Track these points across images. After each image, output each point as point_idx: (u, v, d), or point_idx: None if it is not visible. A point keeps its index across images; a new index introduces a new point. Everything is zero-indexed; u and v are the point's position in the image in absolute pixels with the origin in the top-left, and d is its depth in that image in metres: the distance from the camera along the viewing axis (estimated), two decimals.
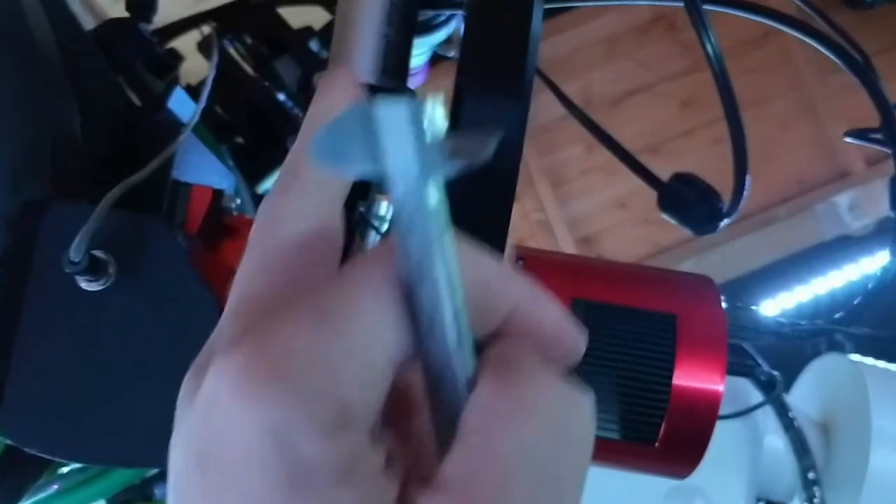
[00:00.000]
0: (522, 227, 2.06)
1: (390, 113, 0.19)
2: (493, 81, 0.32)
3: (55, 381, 0.29)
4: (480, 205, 0.33)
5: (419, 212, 0.19)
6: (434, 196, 0.20)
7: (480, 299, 0.21)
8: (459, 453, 0.19)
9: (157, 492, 0.55)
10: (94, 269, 0.27)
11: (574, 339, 0.23)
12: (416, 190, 0.19)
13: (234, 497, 0.18)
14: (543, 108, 2.15)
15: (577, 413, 0.22)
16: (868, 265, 1.91)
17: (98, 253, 0.28)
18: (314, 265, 0.22)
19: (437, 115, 0.18)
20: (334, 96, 0.25)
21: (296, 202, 0.23)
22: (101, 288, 0.28)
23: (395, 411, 0.21)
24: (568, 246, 2.06)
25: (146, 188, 0.34)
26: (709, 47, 0.42)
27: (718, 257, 1.98)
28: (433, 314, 0.20)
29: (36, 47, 0.32)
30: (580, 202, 2.08)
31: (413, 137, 0.19)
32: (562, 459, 0.21)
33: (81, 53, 0.35)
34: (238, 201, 0.38)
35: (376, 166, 0.19)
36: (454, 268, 0.20)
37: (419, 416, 0.22)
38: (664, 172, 0.52)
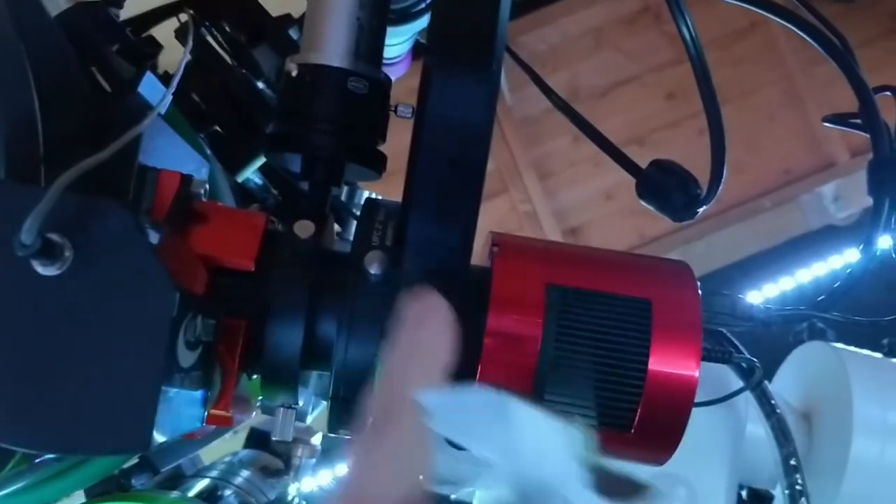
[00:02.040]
0: (510, 218, 2.06)
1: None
2: (462, 63, 0.31)
3: (9, 366, 0.28)
4: (449, 189, 0.32)
5: None
6: None
7: None
8: None
9: (134, 482, 0.55)
10: (48, 252, 0.27)
11: None
12: None
13: None
14: (530, 99, 2.15)
15: None
16: (852, 255, 1.92)
17: (53, 236, 0.27)
18: None
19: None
20: (433, 328, 0.24)
21: (389, 470, 0.23)
22: (57, 272, 0.28)
23: None
24: (555, 237, 2.06)
25: (111, 172, 0.34)
26: (685, 32, 0.42)
27: (704, 247, 1.99)
28: None
29: None
30: (567, 194, 2.08)
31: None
32: None
33: (43, 36, 0.34)
34: (207, 187, 0.37)
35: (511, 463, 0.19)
36: None
37: None
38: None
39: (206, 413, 0.35)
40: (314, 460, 0.83)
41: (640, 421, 0.38)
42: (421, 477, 0.24)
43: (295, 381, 0.38)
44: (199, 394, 0.33)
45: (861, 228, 0.50)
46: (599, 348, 0.37)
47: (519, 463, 0.19)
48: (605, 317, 0.37)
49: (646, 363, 0.37)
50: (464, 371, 0.37)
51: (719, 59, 2.03)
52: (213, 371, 0.35)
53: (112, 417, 0.28)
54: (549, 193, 2.07)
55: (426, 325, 0.25)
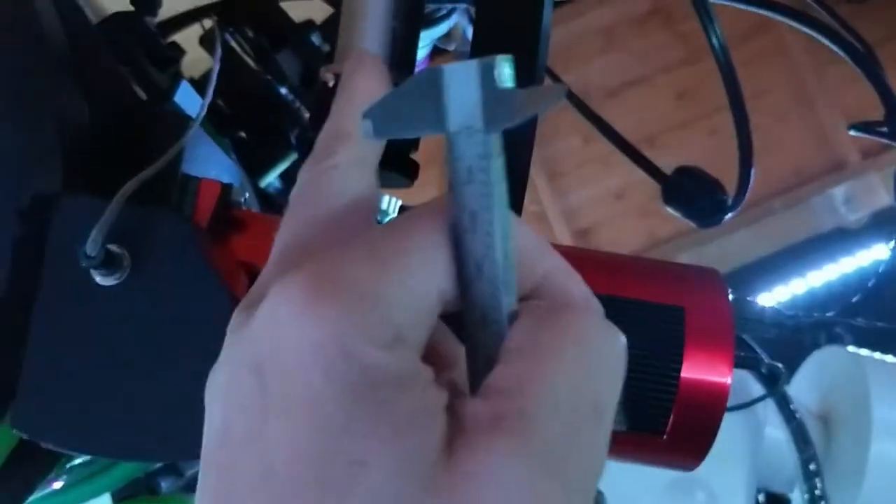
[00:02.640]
0: None
1: (459, 72, 0.20)
2: None
3: (70, 375, 0.29)
4: None
5: (482, 161, 0.21)
6: (497, 146, 0.21)
7: (517, 263, 0.22)
8: (504, 371, 0.21)
9: (162, 485, 0.55)
10: (109, 263, 0.27)
11: (599, 312, 0.25)
12: (481, 141, 0.21)
13: (294, 402, 0.19)
14: None
15: (615, 346, 0.24)
16: (864, 258, 1.92)
17: (113, 247, 0.28)
18: (360, 229, 0.23)
19: (505, 71, 0.19)
20: (367, 73, 0.26)
21: (338, 173, 0.24)
22: (115, 282, 0.28)
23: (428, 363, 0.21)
24: (564, 238, 2.07)
25: (155, 182, 0.34)
26: (714, 40, 0.42)
27: (715, 249, 1.99)
28: (483, 259, 0.21)
29: (44, 39, 0.32)
30: (576, 194, 2.08)
31: (480, 90, 0.20)
32: (601, 387, 0.23)
33: (89, 46, 0.35)
34: (247, 195, 0.37)
35: (437, 126, 0.21)
36: (507, 217, 0.21)
37: (450, 370, 0.23)
38: (660, 164, 0.52)
39: None
40: None
41: (672, 427, 0.38)
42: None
43: None
44: None
45: (872, 231, 0.50)
46: (633, 355, 0.37)
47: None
48: (638, 324, 0.38)
49: (679, 370, 0.37)
50: None
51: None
52: None
53: (172, 424, 0.29)
54: (558, 194, 2.07)
55: (360, 70, 0.26)
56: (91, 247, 0.27)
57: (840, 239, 1.97)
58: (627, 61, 2.09)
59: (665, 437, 0.38)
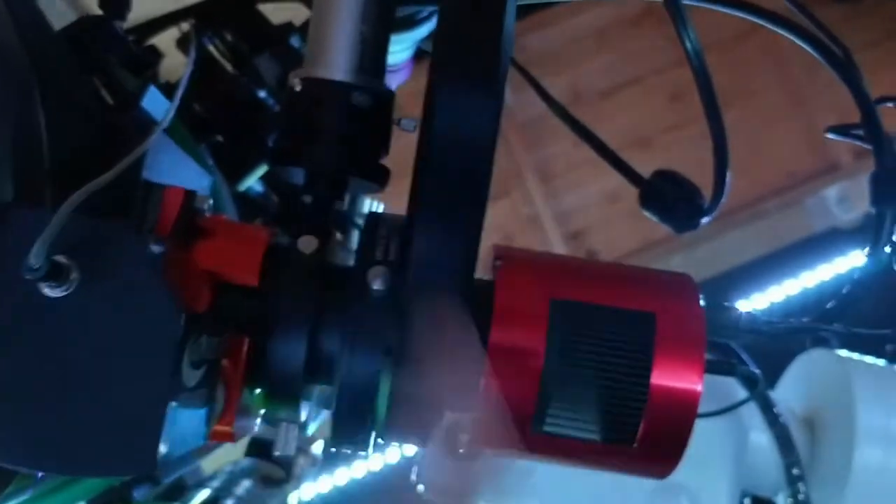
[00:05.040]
0: (511, 222, 2.06)
1: None
2: (467, 77, 0.31)
3: (17, 388, 0.28)
4: (454, 205, 0.32)
5: None
6: None
7: None
8: None
9: (135, 494, 0.55)
10: (55, 274, 0.27)
11: None
12: None
13: None
14: (532, 102, 2.13)
15: None
16: (858, 258, 1.91)
17: (60, 258, 0.27)
18: None
19: None
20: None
21: None
22: (63, 294, 0.28)
23: None
24: (557, 240, 2.06)
25: (116, 190, 0.34)
26: (688, 44, 0.42)
27: (708, 251, 1.98)
28: None
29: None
30: (569, 197, 2.07)
31: None
32: None
33: (48, 54, 0.34)
34: (211, 202, 0.37)
35: None
36: None
37: None
38: (653, 166, 0.52)
39: (209, 430, 0.35)
40: (315, 468, 0.83)
41: (643, 435, 0.38)
42: None
43: (298, 397, 0.38)
44: (203, 412, 0.33)
45: (865, 232, 0.50)
46: (603, 362, 0.37)
47: None
48: (608, 330, 0.37)
49: (649, 377, 0.37)
50: (467, 384, 0.37)
51: (722, 61, 2.03)
52: (217, 387, 0.35)
53: (118, 439, 0.29)
54: (551, 196, 2.07)
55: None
56: (35, 258, 0.26)
57: (834, 239, 1.97)
58: (620, 63, 2.09)
59: (636, 445, 0.38)
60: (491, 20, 0.32)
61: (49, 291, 0.28)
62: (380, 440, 0.39)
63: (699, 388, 0.37)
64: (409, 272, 0.34)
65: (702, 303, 0.39)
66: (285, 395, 0.37)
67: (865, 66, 0.48)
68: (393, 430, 0.37)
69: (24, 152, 0.30)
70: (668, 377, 0.37)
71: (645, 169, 0.55)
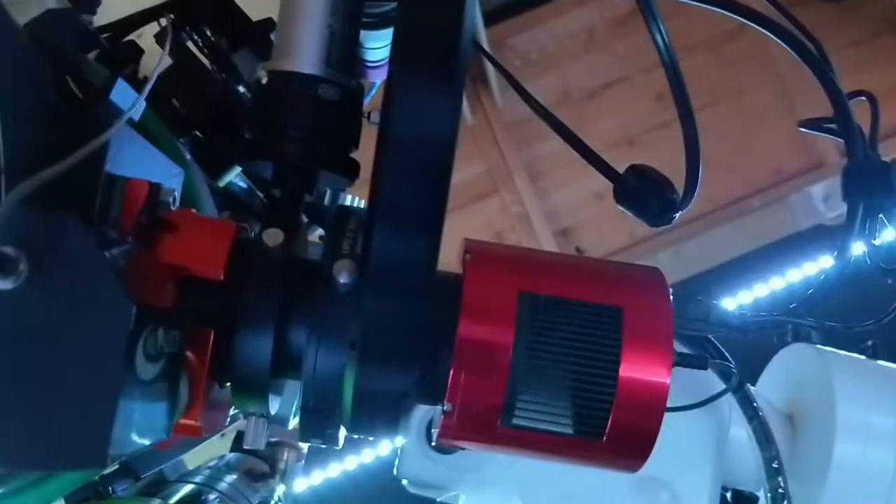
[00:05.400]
0: (501, 220, 2.06)
1: None
2: (424, 75, 0.31)
3: None
4: (413, 201, 0.32)
5: None
6: None
7: None
8: None
9: (115, 489, 0.55)
10: (1, 265, 0.27)
11: None
12: None
13: None
14: (521, 101, 2.14)
15: None
16: (828, 261, 1.92)
17: (6, 249, 0.27)
18: None
19: None
20: None
21: None
22: (11, 286, 0.27)
23: None
24: (546, 238, 2.06)
25: (77, 182, 0.33)
26: (658, 38, 0.42)
27: (694, 248, 1.99)
28: None
29: None
30: (558, 195, 2.08)
31: None
32: None
33: (3, 44, 0.34)
34: (177, 195, 0.37)
35: None
36: None
37: None
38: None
39: (173, 423, 0.35)
40: (301, 463, 0.82)
41: (612, 428, 0.38)
42: None
43: (265, 391, 0.37)
44: (163, 405, 0.33)
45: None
46: (571, 355, 0.37)
47: None
48: (576, 324, 0.37)
49: (617, 370, 0.37)
50: (436, 378, 0.37)
51: (710, 60, 2.03)
52: (180, 381, 0.34)
53: (68, 434, 0.28)
54: (540, 195, 2.07)
55: None
56: None
57: (819, 236, 1.98)
58: (607, 62, 2.09)
59: (605, 438, 0.38)
60: (450, 15, 0.31)
61: None
62: (349, 434, 0.39)
63: (667, 381, 0.37)
64: (368, 268, 0.34)
65: (670, 296, 0.39)
66: (252, 389, 0.37)
67: (851, 65, 0.49)
68: (359, 424, 0.37)
69: None
70: (636, 370, 0.37)
71: None
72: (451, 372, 0.37)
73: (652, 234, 2.01)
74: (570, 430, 0.38)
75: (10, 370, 0.28)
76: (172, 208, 0.37)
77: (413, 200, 0.32)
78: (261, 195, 0.75)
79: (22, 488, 0.49)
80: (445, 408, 0.38)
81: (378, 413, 0.36)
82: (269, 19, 0.69)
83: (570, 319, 0.37)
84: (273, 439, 0.82)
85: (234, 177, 0.70)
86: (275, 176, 0.42)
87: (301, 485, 1.79)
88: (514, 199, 2.06)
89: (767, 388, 0.78)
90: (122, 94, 0.45)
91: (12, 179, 0.29)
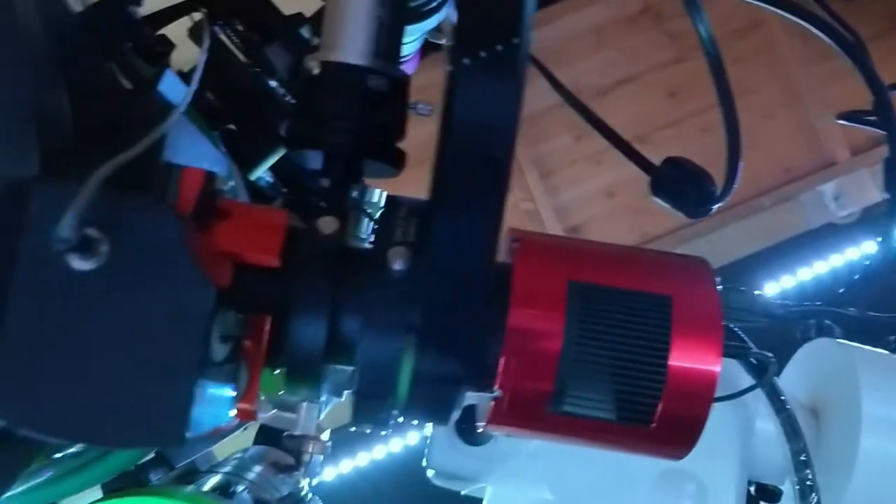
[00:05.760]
0: (511, 216, 2.02)
1: None
2: (488, 64, 0.31)
3: (47, 360, 0.29)
4: (475, 188, 0.32)
5: None
6: None
7: None
8: None
9: (152, 477, 0.55)
10: (84, 247, 0.27)
11: None
12: None
13: None
14: (532, 97, 2.12)
15: None
16: (853, 254, 1.93)
17: (90, 231, 0.27)
18: None
19: None
20: None
21: None
22: (92, 267, 0.28)
23: None
24: (557, 234, 2.07)
25: (136, 169, 0.34)
26: (702, 31, 0.42)
27: (705, 246, 1.99)
28: None
29: (19, 26, 0.32)
30: (568, 191, 2.08)
31: None
32: None
33: (68, 32, 0.35)
34: (232, 184, 0.37)
35: None
36: None
37: None
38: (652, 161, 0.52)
39: (233, 407, 0.35)
40: (324, 456, 0.83)
41: (660, 415, 0.38)
42: None
43: (318, 376, 0.38)
44: (228, 388, 0.33)
45: (861, 227, 0.50)
46: (621, 343, 0.38)
47: None
48: (626, 312, 0.38)
49: (667, 357, 0.37)
50: (485, 365, 0.38)
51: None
52: (240, 366, 0.35)
53: (148, 411, 0.29)
54: (550, 191, 2.07)
55: None
56: (65, 229, 0.27)
57: (829, 235, 1.98)
58: (618, 60, 2.09)
59: (653, 425, 0.38)
60: (512, 3, 0.32)
61: (78, 264, 0.28)
62: (400, 419, 0.39)
63: (717, 368, 0.38)
64: (429, 254, 0.34)
65: (717, 286, 0.39)
66: (306, 373, 0.38)
67: None
68: (414, 409, 0.38)
69: (48, 129, 0.30)
70: (685, 358, 0.38)
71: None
72: (503, 359, 0.37)
73: (663, 233, 2.02)
74: (618, 417, 0.38)
75: (92, 349, 0.28)
76: (225, 196, 0.38)
77: (475, 187, 0.32)
78: (284, 190, 0.76)
79: (62, 475, 0.49)
80: (496, 394, 0.38)
81: (434, 398, 0.37)
82: (300, 14, 0.69)
83: (620, 308, 0.38)
84: (297, 432, 0.82)
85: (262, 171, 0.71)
86: (323, 165, 0.42)
87: (329, 473, 1.80)
88: (525, 195, 2.07)
89: (790, 383, 0.78)
90: (168, 84, 0.45)
91: (78, 164, 0.30)
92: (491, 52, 0.32)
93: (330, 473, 1.76)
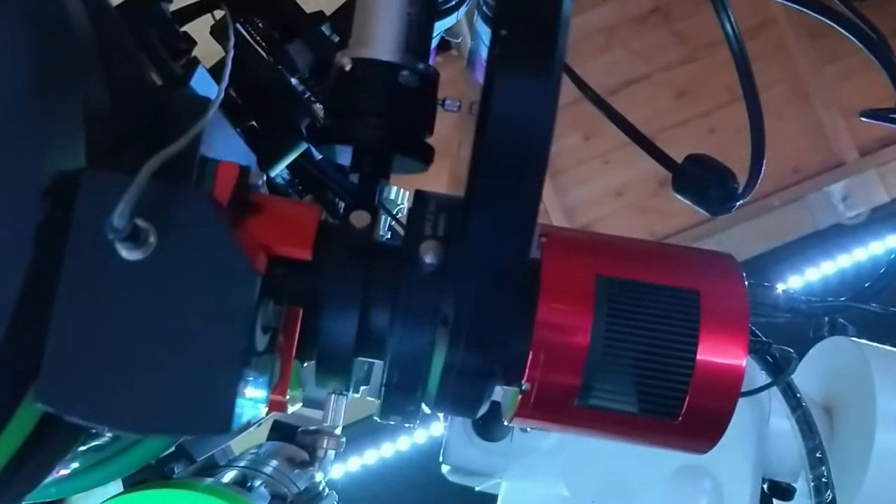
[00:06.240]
0: None
1: None
2: (526, 63, 0.32)
3: (94, 349, 0.29)
4: (511, 186, 0.33)
5: None
6: None
7: None
8: None
9: (175, 469, 0.56)
10: (134, 237, 0.28)
11: None
12: None
13: None
14: None
15: None
16: (861, 254, 1.93)
17: (139, 221, 0.28)
18: None
19: None
20: None
21: None
22: (141, 257, 0.28)
23: None
24: None
25: (174, 163, 0.34)
26: (728, 27, 0.43)
27: (714, 246, 1.99)
28: None
29: (67, 20, 0.32)
30: (577, 191, 2.08)
31: None
32: None
33: (110, 30, 0.35)
34: (264, 178, 0.38)
35: None
36: None
37: None
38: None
39: (266, 399, 0.36)
40: (339, 451, 0.83)
41: (687, 409, 0.38)
42: None
43: (348, 369, 0.38)
44: (265, 379, 0.34)
45: (869, 227, 0.51)
46: (649, 338, 0.38)
47: None
48: (654, 307, 0.38)
49: (695, 351, 0.38)
50: (512, 359, 0.38)
51: (729, 57, 2.03)
52: (274, 357, 0.35)
53: (196, 399, 0.29)
54: (558, 191, 2.08)
55: None
56: (118, 219, 0.27)
57: (837, 235, 1.98)
58: (627, 60, 2.09)
59: (679, 419, 0.39)
60: (550, 3, 0.32)
61: (127, 254, 0.28)
62: (427, 411, 0.40)
63: (743, 363, 0.38)
64: (465, 248, 0.35)
65: (744, 281, 0.40)
66: (336, 366, 0.38)
67: (872, 63, 0.49)
68: (443, 402, 0.38)
69: (93, 123, 0.31)
70: (713, 353, 0.38)
71: (652, 165, 0.57)
72: (531, 353, 0.38)
73: (672, 232, 2.02)
74: (644, 411, 0.39)
75: (140, 338, 0.29)
76: (259, 191, 0.38)
77: (511, 184, 0.33)
78: (300, 188, 0.76)
79: (86, 468, 0.50)
80: (524, 387, 0.39)
81: (464, 391, 0.37)
82: (321, 12, 0.69)
83: (648, 302, 0.38)
84: (311, 427, 0.83)
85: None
86: (353, 160, 0.43)
87: (338, 470, 1.81)
88: None
89: (803, 381, 0.78)
90: (199, 80, 0.46)
91: (124, 156, 0.30)
92: (529, 49, 0.32)
93: (338, 471, 1.76)
